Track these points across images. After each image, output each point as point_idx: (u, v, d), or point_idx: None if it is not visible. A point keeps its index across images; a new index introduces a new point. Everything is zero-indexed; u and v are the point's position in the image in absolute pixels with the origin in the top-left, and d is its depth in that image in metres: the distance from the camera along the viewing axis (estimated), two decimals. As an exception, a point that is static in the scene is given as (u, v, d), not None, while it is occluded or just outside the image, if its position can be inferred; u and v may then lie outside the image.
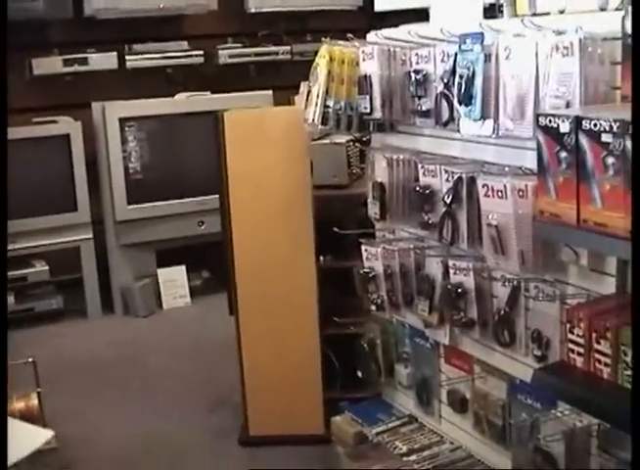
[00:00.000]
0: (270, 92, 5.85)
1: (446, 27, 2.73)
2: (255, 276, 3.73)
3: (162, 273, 5.97)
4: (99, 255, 5.79)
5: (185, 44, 6.15)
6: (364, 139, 3.45)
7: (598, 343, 2.15)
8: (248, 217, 3.67)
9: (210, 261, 5.74)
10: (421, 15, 3.08)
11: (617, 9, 2.29)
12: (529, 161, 2.36)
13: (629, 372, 2.06)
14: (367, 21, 3.50)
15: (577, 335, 2.20)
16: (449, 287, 2.81)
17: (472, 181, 2.58)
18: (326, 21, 6.32)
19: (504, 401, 2.85)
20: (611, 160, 1.91)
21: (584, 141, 1.96)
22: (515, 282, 2.61)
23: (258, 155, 3.61)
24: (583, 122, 1.96)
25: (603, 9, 2.38)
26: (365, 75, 2.95)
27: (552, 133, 2.04)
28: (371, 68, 2.94)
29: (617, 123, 1.88)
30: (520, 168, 2.47)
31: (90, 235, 5.71)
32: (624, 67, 2.22)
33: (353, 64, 3.06)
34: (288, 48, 6.23)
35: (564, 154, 2.02)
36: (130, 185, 5.76)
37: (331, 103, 3.08)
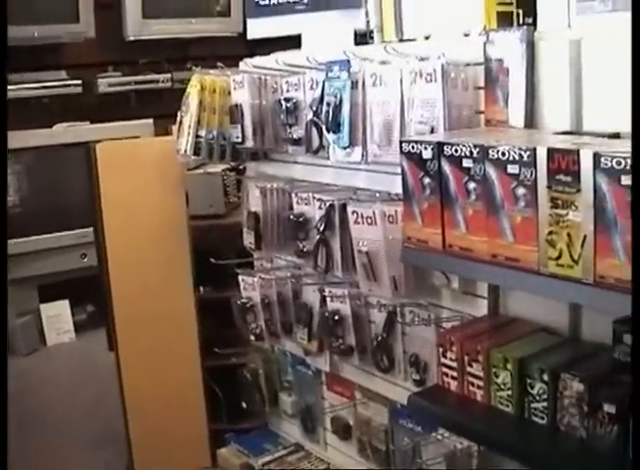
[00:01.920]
0: (151, 121, 5.76)
1: (314, 55, 2.74)
2: (133, 309, 3.66)
3: (45, 308, 5.80)
4: (-23, 291, 5.60)
5: (63, 73, 6.01)
6: (240, 168, 3.43)
7: (470, 366, 2.17)
8: (123, 250, 3.60)
9: (95, 295, 5.61)
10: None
11: (479, 35, 2.33)
12: (399, 186, 2.37)
13: (502, 393, 2.08)
14: (248, 47, 3.48)
15: (450, 358, 2.22)
16: (326, 314, 2.81)
17: (343, 208, 2.59)
18: (207, 47, 6.27)
19: (386, 426, 2.85)
20: (472, 185, 1.94)
21: (446, 167, 1.99)
22: (390, 308, 2.62)
23: (132, 186, 3.56)
24: (445, 148, 1.98)
25: (466, 35, 2.42)
26: (236, 104, 2.95)
27: (415, 159, 2.05)
28: (242, 96, 2.93)
29: (477, 149, 1.91)
30: (389, 194, 2.48)
31: (-33, 271, 5.51)
32: (487, 91, 2.26)
33: (225, 92, 3.05)
34: (168, 76, 6.15)
35: (427, 180, 2.03)
36: (9, 219, 5.59)
37: (203, 133, 3.06)
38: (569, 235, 1.76)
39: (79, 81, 5.98)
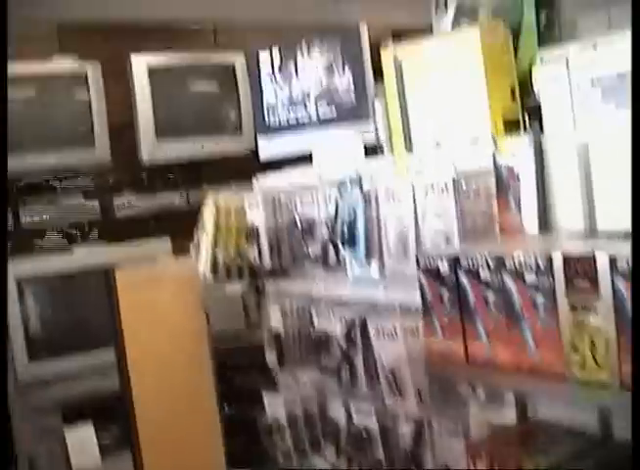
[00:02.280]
0: (168, 239, 5.82)
1: (326, 171, 2.77)
2: (159, 433, 3.62)
3: (70, 433, 5.74)
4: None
5: (81, 198, 6.10)
6: (260, 286, 3.44)
7: (502, 475, 2.13)
8: (146, 371, 3.58)
9: (119, 417, 5.56)
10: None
11: (488, 143, 2.37)
12: (418, 298, 2.37)
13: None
14: (262, 163, 3.53)
15: (481, 468, 2.18)
16: (353, 430, 2.78)
17: (364, 323, 2.59)
18: (220, 165, 6.36)
19: None
20: (491, 296, 1.94)
21: (464, 279, 1.99)
22: (417, 420, 2.59)
23: (153, 309, 3.56)
24: (461, 261, 1.99)
25: (475, 144, 2.45)
26: (252, 224, 2.97)
27: (433, 273, 2.06)
28: (257, 216, 2.97)
29: (494, 260, 1.92)
30: (409, 307, 2.48)
31: (-8, 399, 5.49)
32: (499, 198, 2.28)
33: (240, 212, 3.08)
34: (184, 197, 6.24)
35: (446, 293, 2.04)
36: (31, 344, 5.60)
37: (220, 253, 3.08)
38: (591, 340, 1.75)
39: (97, 204, 6.06)
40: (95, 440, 5.76)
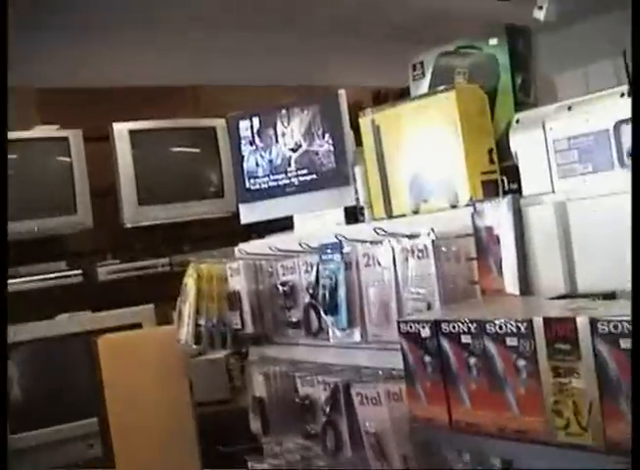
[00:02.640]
0: (152, 306, 5.79)
1: (307, 237, 2.78)
2: (143, 504, 3.59)
3: (54, 505, 5.66)
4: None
5: (63, 264, 6.08)
6: (243, 352, 3.43)
7: None
8: (128, 440, 3.55)
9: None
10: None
11: (466, 205, 2.38)
12: (401, 363, 2.36)
13: None
14: (244, 225, 3.54)
15: None
16: (340, 497, 2.75)
17: (348, 388, 2.57)
18: (203, 228, 6.37)
19: None
20: (473, 360, 1.93)
21: (446, 344, 1.98)
22: (404, 486, 2.57)
23: (135, 376, 3.54)
24: (442, 326, 1.98)
25: (454, 206, 2.47)
26: (234, 291, 2.97)
27: (414, 339, 2.05)
28: (239, 283, 2.96)
29: (475, 324, 1.91)
30: (393, 372, 2.47)
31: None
32: (480, 261, 2.28)
33: (222, 280, 3.07)
34: (167, 260, 6.22)
35: (428, 358, 2.03)
36: (13, 413, 5.53)
37: (202, 321, 3.07)
38: (574, 403, 1.75)
39: (79, 271, 6.05)
40: (79, 511, 5.68)
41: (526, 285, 2.20)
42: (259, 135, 3.19)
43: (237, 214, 3.46)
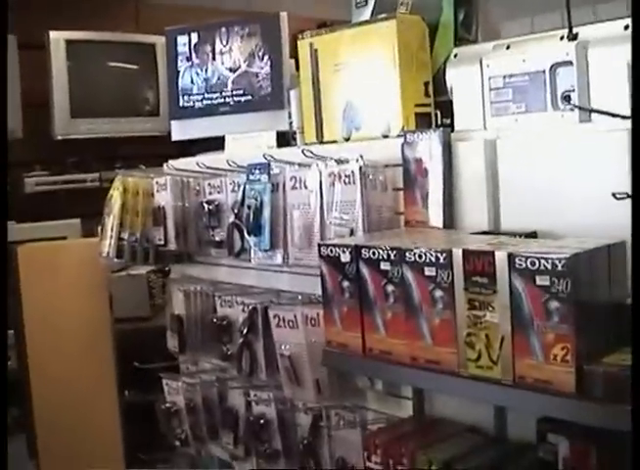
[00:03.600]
0: (78, 221, 5.69)
1: (236, 157, 2.75)
2: (55, 415, 3.56)
3: (-33, 413, 5.63)
4: None
5: (-11, 173, 5.94)
6: (165, 269, 3.40)
7: (395, 469, 2.13)
8: (44, 354, 3.52)
9: (18, 398, 5.46)
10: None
11: (398, 135, 2.37)
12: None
13: (427, 496, 2.05)
14: (177, 146, 3.49)
15: (375, 462, 2.19)
16: (252, 418, 2.77)
17: (266, 311, 2.57)
18: (136, 147, 6.27)
19: (315, 532, 2.78)
20: (391, 287, 1.94)
21: (365, 270, 1.99)
22: (315, 411, 2.59)
23: (55, 289, 3.51)
24: (362, 251, 1.99)
25: (385, 136, 2.45)
26: (159, 206, 2.94)
27: (334, 263, 2.05)
28: (165, 199, 2.93)
29: (395, 251, 1.92)
30: (311, 297, 2.47)
31: None
32: (406, 192, 2.28)
33: (148, 195, 3.04)
34: (97, 175, 6.13)
35: (346, 283, 2.03)
36: None
37: (126, 235, 3.04)
38: (487, 336, 1.77)
39: (6, 180, 5.93)
40: (-9, 421, 5.65)
41: (451, 219, 2.21)
42: (197, 51, 3.13)
43: (170, 135, 3.41)
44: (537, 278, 1.66)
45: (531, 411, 1.83)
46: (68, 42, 5.95)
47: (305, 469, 2.68)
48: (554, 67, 2.10)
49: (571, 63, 2.05)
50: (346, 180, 2.31)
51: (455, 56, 2.41)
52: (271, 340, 2.55)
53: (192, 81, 3.14)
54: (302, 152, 2.49)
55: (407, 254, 1.88)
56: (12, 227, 5.71)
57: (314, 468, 2.65)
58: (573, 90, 2.05)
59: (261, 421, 2.75)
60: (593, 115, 2.01)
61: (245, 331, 2.66)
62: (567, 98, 2.07)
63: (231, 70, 3.02)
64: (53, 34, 5.91)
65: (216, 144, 3.14)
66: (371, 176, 2.29)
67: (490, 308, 1.75)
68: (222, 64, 3.04)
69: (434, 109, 2.50)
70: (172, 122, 3.27)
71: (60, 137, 6.03)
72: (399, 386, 2.36)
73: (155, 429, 3.24)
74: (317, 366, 2.36)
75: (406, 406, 2.36)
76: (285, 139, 2.90)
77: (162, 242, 2.94)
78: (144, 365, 3.25)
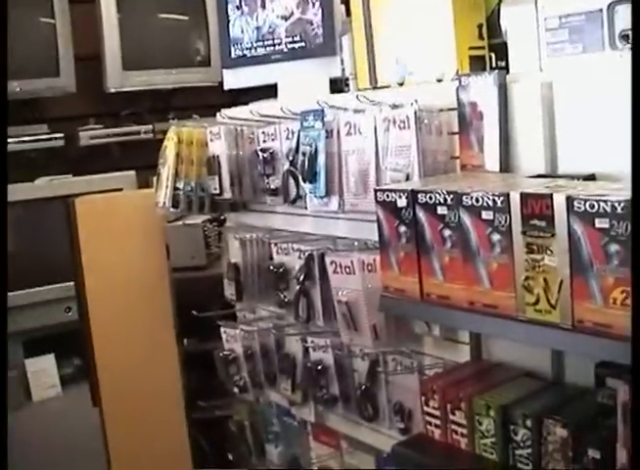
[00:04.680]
0: (133, 173, 5.75)
1: (290, 105, 2.75)
2: (116, 364, 3.62)
3: (30, 363, 5.74)
4: (-39, 349, 5.55)
5: (45, 127, 6.02)
6: (221, 218, 3.42)
7: (453, 413, 2.15)
8: (105, 305, 3.57)
9: (80, 349, 5.56)
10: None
11: (452, 79, 2.34)
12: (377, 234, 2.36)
13: (485, 441, 2.06)
14: (230, 96, 3.50)
15: (433, 406, 2.20)
16: (309, 364, 2.80)
17: (322, 258, 2.58)
18: (188, 97, 6.29)
19: (373, 475, 2.82)
20: (448, 232, 1.94)
21: (421, 214, 1.98)
22: (372, 356, 2.60)
23: (112, 240, 3.54)
24: (419, 196, 1.98)
25: (439, 80, 2.43)
26: (213, 156, 2.95)
27: (390, 208, 2.05)
28: (219, 148, 2.93)
29: (451, 195, 1.91)
30: (367, 243, 2.47)
31: (-49, 328, 5.47)
32: (462, 136, 2.26)
33: (202, 144, 3.04)
34: (150, 127, 6.16)
35: (403, 228, 2.03)
36: (-9, 273, 5.57)
37: (181, 185, 3.05)
38: (545, 280, 1.75)
39: (61, 135, 5.99)
40: (55, 370, 5.77)
41: (507, 163, 2.18)
42: (247, 1, 3.11)
43: (222, 85, 3.41)
44: (596, 221, 1.64)
45: (590, 355, 1.81)
46: (119, -6, 5.97)
47: (363, 414, 2.70)
48: (612, 5, 2.05)
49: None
50: (401, 125, 2.29)
51: (509, -3, 2.38)
52: (328, 286, 2.56)
53: (243, 30, 3.14)
54: (357, 97, 2.48)
55: (464, 197, 1.87)
56: (68, 180, 5.80)
57: (371, 413, 2.67)
58: (632, 29, 2.00)
59: (319, 367, 2.77)
60: (653, 53, 1.97)
61: (301, 278, 2.67)
62: (625, 37, 2.03)
63: (283, 17, 3.00)
64: (103, -13, 5.93)
65: (267, 93, 3.14)
66: (426, 121, 2.27)
67: (549, 252, 1.73)
68: (273, 11, 3.03)
69: (489, 51, 2.46)
70: (224, 71, 3.28)
71: (112, 90, 6.07)
72: (456, 331, 2.36)
73: (213, 376, 3.28)
74: (374, 312, 2.37)
75: (463, 351, 2.37)
76: (337, 86, 2.89)
77: (218, 191, 2.95)
78: (201, 314, 3.29)
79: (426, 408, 2.22)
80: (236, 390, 3.16)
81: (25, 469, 4.65)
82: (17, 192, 5.64)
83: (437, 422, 2.19)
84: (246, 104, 3.16)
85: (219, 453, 3.57)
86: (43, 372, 5.76)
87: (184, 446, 3.70)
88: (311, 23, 2.90)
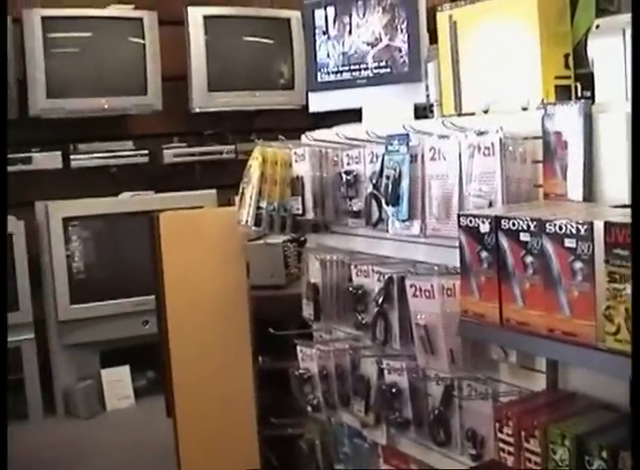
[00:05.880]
0: (214, 191, 5.88)
1: (374, 129, 2.78)
2: (192, 377, 3.68)
3: (106, 374, 5.86)
4: (40, 355, 5.68)
5: (130, 144, 6.16)
6: (301, 239, 3.46)
7: (527, 441, 2.13)
8: (184, 318, 3.63)
9: (155, 361, 5.64)
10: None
11: (537, 108, 2.36)
12: (457, 260, 2.37)
13: (559, 471, 2.05)
14: (312, 119, 3.55)
15: (507, 433, 2.19)
16: (384, 387, 2.81)
17: (402, 281, 2.59)
18: (271, 119, 6.39)
19: (443, 501, 2.81)
20: (529, 258, 1.94)
21: (504, 241, 1.99)
22: (448, 381, 2.61)
23: (194, 256, 3.60)
24: (502, 222, 1.99)
25: (525, 109, 2.44)
26: (297, 176, 2.99)
27: (473, 233, 2.06)
28: (303, 169, 2.97)
29: (535, 222, 1.92)
30: (447, 268, 2.49)
31: (32, 335, 5.59)
32: (545, 165, 2.27)
33: (286, 165, 3.09)
34: (232, 147, 6.27)
35: (485, 253, 2.04)
36: (73, 284, 5.71)
37: (264, 204, 3.09)
38: (627, 310, 1.75)
39: (146, 151, 6.13)
40: (130, 381, 5.87)
41: (590, 192, 2.18)
42: (334, 25, 3.17)
43: (306, 107, 3.47)
44: (681, 253, 1.64)
45: (671, 389, 1.80)
46: (206, 17, 6.11)
47: (435, 439, 2.70)
48: None
49: None
50: (486, 152, 2.31)
51: (597, 27, 2.37)
52: (406, 309, 2.58)
53: (329, 55, 3.19)
54: (442, 123, 2.50)
55: (547, 225, 1.88)
56: (151, 197, 5.93)
57: (444, 438, 2.67)
58: None
59: (393, 390, 2.77)
60: None
61: (380, 300, 2.69)
62: None
63: (369, 43, 3.05)
64: (191, 10, 6.08)
65: (350, 117, 3.18)
66: (510, 148, 2.29)
67: (631, 282, 1.73)
68: (359, 37, 3.07)
69: (575, 81, 2.47)
70: (310, 94, 3.33)
71: (197, 110, 6.21)
72: (534, 358, 2.36)
73: (287, 394, 3.31)
74: (452, 336, 2.38)
75: (539, 380, 2.36)
76: (420, 112, 2.91)
77: (300, 211, 2.99)
78: (278, 332, 3.33)
79: (499, 435, 2.21)
80: (309, 409, 3.18)
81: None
82: (101, 205, 5.80)
83: (511, 449, 2.18)
84: (328, 127, 3.20)
85: (290, 471, 3.59)
86: (118, 383, 5.87)
87: (255, 462, 3.73)
88: (398, 50, 2.94)
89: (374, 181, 2.70)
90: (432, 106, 2.86)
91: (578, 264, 1.83)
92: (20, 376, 5.61)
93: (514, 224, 1.96)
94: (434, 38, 2.85)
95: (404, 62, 2.93)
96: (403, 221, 2.57)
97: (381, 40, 3.00)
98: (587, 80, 2.40)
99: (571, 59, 2.48)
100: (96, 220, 5.86)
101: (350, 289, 2.86)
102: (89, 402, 5.74)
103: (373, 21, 3.02)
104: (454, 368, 2.48)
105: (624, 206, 2.05)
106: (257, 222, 3.11)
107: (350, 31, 3.10)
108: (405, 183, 2.53)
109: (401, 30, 2.93)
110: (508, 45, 2.53)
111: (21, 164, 5.67)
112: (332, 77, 3.18)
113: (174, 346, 3.67)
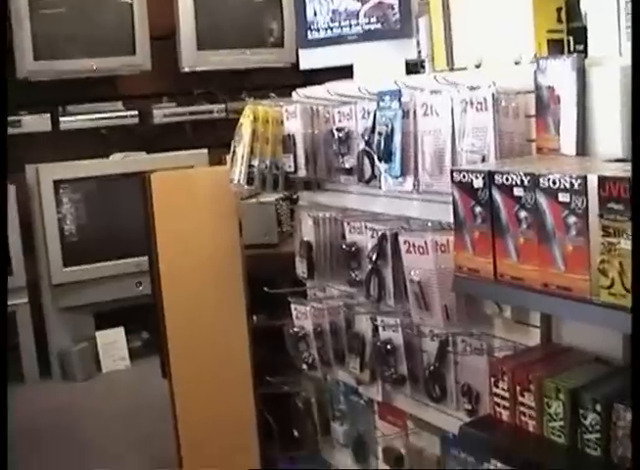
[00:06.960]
0: (205, 151, 5.85)
1: (366, 85, 2.76)
2: (187, 337, 3.68)
3: (101, 336, 5.88)
4: (35, 319, 5.69)
5: (120, 104, 6.12)
6: (294, 197, 3.45)
7: (522, 396, 2.14)
8: (177, 279, 3.63)
9: (150, 322, 5.65)
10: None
11: (530, 62, 2.34)
12: (451, 215, 2.36)
13: (554, 424, 2.06)
14: (302, 76, 3.53)
15: (502, 388, 2.20)
16: (379, 344, 2.81)
17: (396, 238, 2.59)
18: (261, 78, 6.36)
19: (438, 456, 2.83)
20: (523, 213, 1.94)
21: (497, 196, 1.99)
22: (442, 337, 2.61)
23: (186, 215, 3.59)
24: (496, 177, 1.99)
25: (517, 63, 2.43)
26: (289, 134, 2.98)
27: (466, 188, 2.06)
28: (294, 126, 2.96)
29: (528, 177, 1.91)
30: (441, 223, 2.48)
31: (26, 299, 5.60)
32: (538, 119, 2.26)
33: (278, 123, 3.07)
34: (223, 106, 6.24)
35: (478, 209, 2.04)
36: (66, 247, 5.70)
37: (256, 162, 3.09)
38: (620, 264, 1.75)
39: (135, 112, 6.09)
40: (125, 342, 5.89)
41: (583, 147, 2.17)
42: (323, -19, 3.14)
43: (296, 65, 3.44)
44: (676, 205, 1.63)
45: (664, 340, 1.81)
46: (195, -26, 6.03)
47: (430, 395, 2.71)
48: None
49: None
50: (478, 107, 2.30)
51: (590, -20, 2.36)
52: (400, 266, 2.58)
53: (318, 11, 3.16)
54: (434, 78, 2.48)
55: (541, 179, 1.87)
56: (141, 157, 5.90)
57: (439, 394, 2.69)
58: None
59: (388, 346, 2.78)
60: None
61: (374, 257, 2.69)
62: None
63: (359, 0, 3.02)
64: (179, -34, 5.99)
65: (340, 74, 3.16)
66: (503, 103, 2.27)
67: (625, 236, 1.73)
68: (349, -8, 3.05)
69: (567, 35, 2.45)
70: (300, 51, 3.30)
71: (187, 69, 6.16)
72: (528, 313, 2.36)
73: (282, 352, 3.32)
74: (446, 292, 2.38)
75: (533, 335, 2.36)
76: (414, 68, 2.90)
77: (292, 169, 2.98)
78: (273, 290, 3.33)
79: (494, 390, 2.22)
80: (304, 366, 3.19)
81: (95, 437, 4.76)
82: (91, 167, 5.77)
83: (506, 404, 2.19)
84: (318, 84, 3.18)
85: (285, 429, 3.60)
86: (113, 344, 5.89)
87: (251, 420, 3.75)
88: (390, 7, 2.91)
89: (366, 138, 2.69)
90: (423, 62, 2.84)
91: (572, 219, 1.83)
92: (15, 340, 5.63)
93: (507, 179, 1.96)
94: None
95: (395, 17, 2.90)
96: (396, 178, 2.56)
97: (374, -4, 2.97)
98: (580, 34, 2.38)
99: (563, 12, 2.46)
100: (87, 182, 5.84)
101: (344, 246, 2.86)
102: (85, 365, 5.76)
103: (364, -24, 2.99)
104: (449, 324, 2.48)
105: (618, 160, 2.05)
106: (250, 181, 3.11)
107: (341, -14, 3.07)
108: (397, 139, 2.52)
109: (392, -15, 2.90)
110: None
111: (9, 128, 5.62)
112: (322, 34, 3.15)
113: (168, 306, 3.66)
